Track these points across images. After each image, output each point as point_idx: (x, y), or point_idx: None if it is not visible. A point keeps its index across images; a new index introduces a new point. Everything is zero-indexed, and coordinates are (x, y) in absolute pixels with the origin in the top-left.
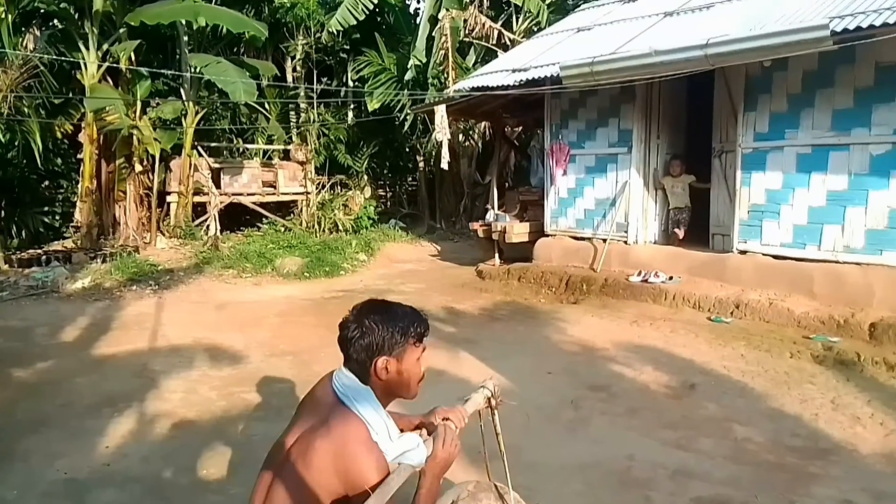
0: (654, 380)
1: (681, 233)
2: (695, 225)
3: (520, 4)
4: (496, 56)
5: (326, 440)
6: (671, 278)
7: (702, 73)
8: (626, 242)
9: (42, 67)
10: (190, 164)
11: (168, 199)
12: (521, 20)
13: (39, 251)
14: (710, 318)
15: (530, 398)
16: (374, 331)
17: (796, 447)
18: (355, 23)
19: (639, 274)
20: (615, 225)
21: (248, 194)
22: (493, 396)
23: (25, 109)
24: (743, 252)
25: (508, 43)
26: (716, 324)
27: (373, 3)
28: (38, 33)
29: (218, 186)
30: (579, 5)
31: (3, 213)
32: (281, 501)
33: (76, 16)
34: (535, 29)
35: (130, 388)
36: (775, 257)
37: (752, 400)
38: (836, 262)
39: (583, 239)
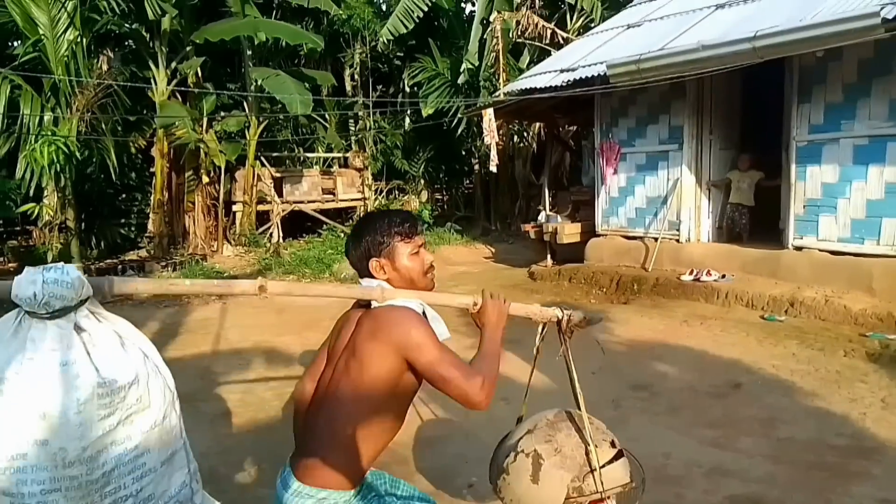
0: (698, 379)
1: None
2: (755, 221)
3: (573, 2)
4: (550, 55)
5: (367, 328)
6: (724, 276)
7: (758, 65)
8: (678, 241)
9: (115, 87)
10: (253, 175)
11: (233, 208)
12: (574, 18)
13: (116, 261)
14: (763, 317)
15: (571, 397)
16: (361, 239)
17: (839, 446)
18: (406, 31)
19: (691, 273)
20: (667, 223)
21: (309, 202)
22: (565, 321)
23: (102, 127)
24: (799, 248)
25: (562, 42)
26: (769, 322)
27: (423, 11)
28: (111, 55)
29: (280, 195)
30: (632, 1)
31: (83, 225)
32: (338, 404)
33: (147, 36)
34: (591, 26)
35: (194, 389)
36: (832, 253)
37: (798, 399)
38: None
39: (634, 238)
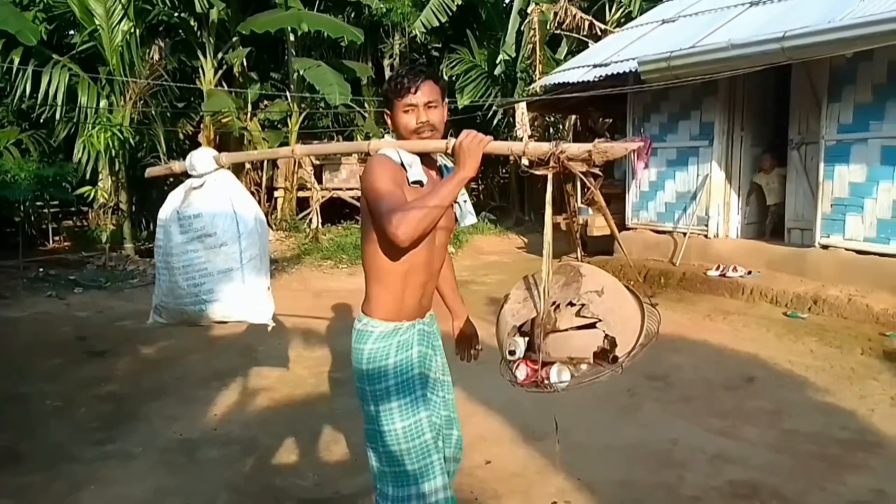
0: (714, 372)
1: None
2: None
3: None
4: (588, 47)
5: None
6: (749, 273)
7: (788, 64)
8: (706, 236)
9: (166, 77)
10: (294, 162)
11: (275, 194)
12: (613, 10)
13: None
14: (785, 314)
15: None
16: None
17: (842, 439)
18: (438, 24)
19: (717, 268)
20: (696, 218)
21: (347, 189)
22: (557, 152)
23: (153, 114)
24: (825, 247)
25: (600, 34)
26: (791, 319)
27: (457, 4)
28: (162, 44)
29: (320, 182)
30: None
31: (134, 208)
32: (363, 251)
33: (195, 26)
34: (633, 16)
35: (236, 365)
36: (858, 252)
37: (809, 394)
38: None
39: (663, 232)
